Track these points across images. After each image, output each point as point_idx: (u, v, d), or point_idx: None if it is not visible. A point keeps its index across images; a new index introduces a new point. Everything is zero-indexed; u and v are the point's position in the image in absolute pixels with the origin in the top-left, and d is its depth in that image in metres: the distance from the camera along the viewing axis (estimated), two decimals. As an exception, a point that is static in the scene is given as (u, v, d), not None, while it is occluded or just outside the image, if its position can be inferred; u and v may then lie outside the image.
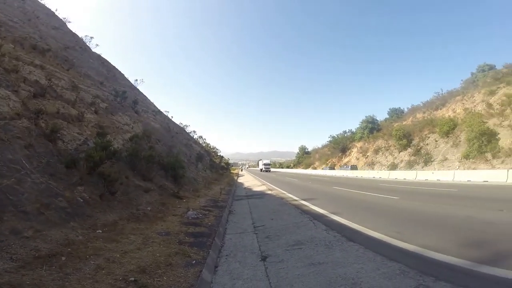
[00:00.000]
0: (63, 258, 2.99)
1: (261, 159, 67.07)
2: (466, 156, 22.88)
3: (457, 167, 22.81)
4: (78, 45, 18.29)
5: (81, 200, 4.99)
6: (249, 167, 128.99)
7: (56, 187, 4.79)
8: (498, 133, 21.60)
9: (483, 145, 21.64)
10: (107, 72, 19.77)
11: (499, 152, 20.40)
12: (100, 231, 4.22)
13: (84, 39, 20.63)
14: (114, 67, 23.17)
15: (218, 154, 53.05)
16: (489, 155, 21.09)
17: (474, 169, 20.29)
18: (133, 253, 3.55)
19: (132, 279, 2.76)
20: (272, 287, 3.00)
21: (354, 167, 35.91)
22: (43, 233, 3.43)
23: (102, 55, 21.93)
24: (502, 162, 19.67)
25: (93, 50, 20.93)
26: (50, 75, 9.92)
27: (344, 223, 5.78)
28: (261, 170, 60.08)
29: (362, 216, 6.47)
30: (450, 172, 18.97)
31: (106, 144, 7.68)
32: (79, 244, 3.51)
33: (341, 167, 39.97)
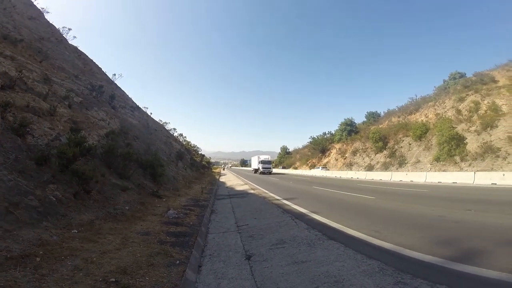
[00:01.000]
0: (38, 259, 2.79)
1: (257, 156, 44.30)
2: (437, 159, 24.36)
3: (429, 169, 24.20)
4: (53, 36, 17.22)
5: (54, 199, 4.69)
6: (232, 166, 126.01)
7: (26, 185, 4.47)
8: (466, 138, 23.21)
9: (452, 149, 23.14)
10: (84, 66, 18.78)
11: (467, 155, 21.92)
12: (76, 231, 4.00)
13: (61, 30, 19.49)
14: (91, 60, 22.08)
15: (199, 152, 52.04)
16: (457, 158, 22.59)
17: (444, 171, 21.61)
18: (112, 254, 3.39)
19: (113, 279, 2.64)
20: (258, 286, 3.00)
21: (324, 168, 41.56)
22: (14, 233, 3.18)
23: (79, 48, 20.82)
24: (470, 165, 21.15)
25: (70, 42, 19.83)
26: (20, 66, 9.26)
27: (325, 222, 5.91)
28: (256, 171, 41.82)
29: (341, 215, 6.65)
30: (423, 173, 20.03)
31: (80, 140, 7.28)
32: (54, 244, 3.29)
33: (316, 167, 44.88)
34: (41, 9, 18.79)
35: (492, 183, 14.21)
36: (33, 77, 9.70)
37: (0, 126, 5.49)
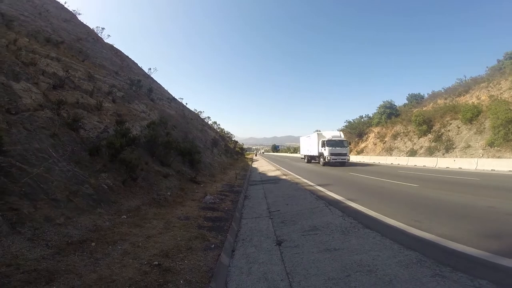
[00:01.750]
0: (93, 244, 3.21)
1: (317, 131, 25.96)
2: (491, 144, 21.82)
3: (481, 155, 21.80)
4: (90, 36, 18.63)
5: (106, 187, 5.26)
6: (264, 152, 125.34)
7: (82, 174, 5.06)
8: None
9: (510, 133, 20.52)
10: (121, 62, 20.12)
11: None
12: (125, 217, 4.47)
13: (95, 30, 20.97)
14: (127, 56, 23.54)
15: (233, 139, 53.38)
16: None
17: (499, 157, 19.32)
18: (156, 238, 3.75)
19: (156, 263, 2.93)
20: (287, 272, 3.09)
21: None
22: (74, 220, 3.67)
23: (114, 45, 22.28)
24: None
25: (105, 40, 21.29)
26: (66, 66, 10.24)
27: (361, 209, 5.75)
28: (312, 159, 26.18)
29: (379, 203, 6.39)
30: (473, 160, 18.16)
31: (125, 131, 7.95)
32: (106, 229, 3.74)
33: None
34: (73, 11, 20.28)
35: None
36: (78, 76, 10.68)
37: (57, 122, 6.22)
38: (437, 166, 19.77)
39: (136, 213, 4.85)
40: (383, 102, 45.86)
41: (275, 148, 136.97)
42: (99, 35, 20.82)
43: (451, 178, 11.85)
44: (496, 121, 21.54)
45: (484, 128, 23.99)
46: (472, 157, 20.72)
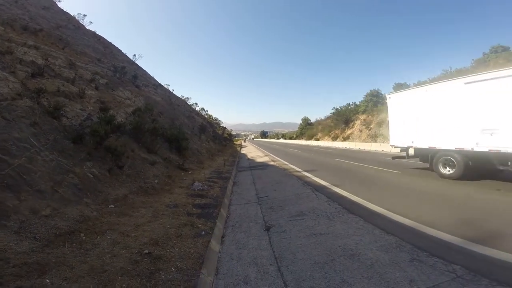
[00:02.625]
0: (82, 235, 3.20)
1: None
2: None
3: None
4: (70, 23, 17.71)
5: (91, 176, 5.17)
6: (254, 138, 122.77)
7: (66, 163, 4.94)
8: None
9: None
10: (104, 49, 19.29)
11: None
12: (113, 206, 4.44)
13: (76, 17, 19.91)
14: (110, 43, 22.57)
15: (221, 125, 52.94)
16: None
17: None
18: (145, 226, 3.77)
19: (147, 251, 2.97)
20: (276, 256, 3.22)
21: None
22: (60, 211, 3.62)
23: (97, 32, 21.26)
24: None
25: (87, 27, 20.31)
26: (46, 54, 9.72)
27: (346, 195, 5.96)
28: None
29: (363, 189, 6.64)
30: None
31: (110, 118, 7.74)
32: (94, 220, 3.72)
33: None
34: None
35: None
36: (59, 64, 10.16)
37: (37, 111, 5.96)
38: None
39: (124, 202, 4.83)
40: (370, 90, 46.89)
41: (264, 134, 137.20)
42: (80, 22, 19.84)
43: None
44: None
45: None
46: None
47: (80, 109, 8.05)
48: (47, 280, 2.24)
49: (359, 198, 5.56)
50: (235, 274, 2.87)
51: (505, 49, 33.66)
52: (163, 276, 2.54)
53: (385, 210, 4.63)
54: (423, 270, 2.59)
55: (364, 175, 9.27)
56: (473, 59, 37.22)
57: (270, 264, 3.03)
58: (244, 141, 71.63)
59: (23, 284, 2.16)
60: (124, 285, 2.33)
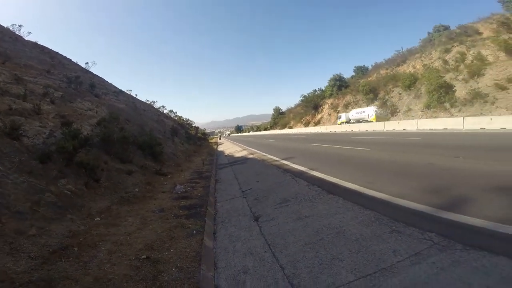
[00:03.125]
0: (76, 249, 3.15)
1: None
2: (428, 106, 25.09)
3: (420, 116, 24.93)
4: (6, 35, 16.18)
5: (68, 192, 4.97)
6: (230, 134, 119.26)
7: (39, 183, 4.69)
8: (454, 86, 23.77)
9: (442, 96, 23.81)
10: (51, 59, 17.92)
11: (456, 102, 22.67)
12: (98, 219, 4.35)
13: (11, 28, 18.15)
14: (57, 53, 21.01)
15: (193, 125, 51.88)
16: (447, 105, 23.30)
17: (435, 117, 22.31)
18: (137, 233, 3.78)
19: (144, 256, 3.02)
20: (268, 243, 3.42)
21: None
22: (46, 229, 3.50)
23: (38, 43, 19.62)
24: (459, 110, 21.90)
25: (26, 38, 18.63)
26: None
27: (323, 177, 6.26)
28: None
29: (338, 169, 7.04)
30: (414, 121, 20.61)
31: (75, 132, 7.36)
32: (84, 233, 3.65)
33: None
34: None
35: (480, 128, 14.73)
36: (3, 80, 9.34)
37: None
38: (384, 129, 22.02)
39: (109, 213, 4.73)
40: (333, 75, 48.70)
41: (239, 129, 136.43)
42: (17, 33, 18.07)
43: (396, 139, 13.41)
44: (430, 86, 24.75)
45: (421, 93, 27.31)
46: (413, 119, 23.49)
47: (40, 126, 7.55)
48: (57, 295, 2.24)
49: (336, 179, 5.87)
50: (233, 266, 3.03)
51: (446, 28, 37.22)
52: (166, 277, 2.63)
53: (360, 187, 4.95)
54: (403, 240, 2.80)
55: (337, 156, 9.82)
56: (420, 39, 40.54)
57: (265, 252, 3.21)
58: (220, 138, 70.86)
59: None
60: (131, 291, 2.40)
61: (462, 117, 17.08)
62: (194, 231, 3.92)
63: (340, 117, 38.09)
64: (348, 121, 34.48)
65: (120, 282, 2.50)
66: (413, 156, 7.80)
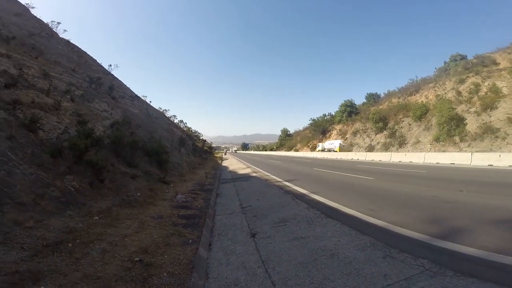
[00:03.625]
0: (70, 245, 3.20)
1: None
2: (437, 139, 24.76)
3: (429, 149, 24.61)
4: (44, 31, 17.15)
5: (73, 189, 5.09)
6: (237, 150, 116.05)
7: (46, 177, 4.84)
8: (466, 119, 23.49)
9: (452, 129, 23.50)
10: (78, 58, 18.80)
11: (466, 136, 22.30)
12: (97, 218, 4.41)
13: (50, 24, 19.27)
14: (85, 52, 22.04)
15: (201, 138, 52.49)
16: (457, 139, 22.96)
17: (444, 151, 22.00)
18: (133, 236, 3.81)
19: (137, 259, 3.05)
20: (263, 259, 3.41)
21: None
22: (44, 223, 3.58)
23: (71, 41, 20.72)
24: (469, 145, 21.54)
25: (61, 35, 19.72)
26: (19, 64, 9.43)
27: (324, 201, 6.30)
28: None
29: (340, 195, 7.04)
30: (421, 154, 20.39)
31: (89, 132, 7.63)
32: (81, 231, 3.71)
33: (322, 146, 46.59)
34: (25, 5, 18.54)
35: (488, 164, 14.48)
36: (32, 74, 9.87)
37: (13, 123, 5.79)
38: (391, 160, 21.81)
39: (108, 214, 4.79)
40: (344, 101, 49.16)
41: (245, 146, 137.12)
42: (54, 30, 19.15)
43: (402, 171, 13.28)
44: (441, 118, 24.48)
45: (431, 125, 27.07)
46: (421, 152, 23.24)
47: (57, 122, 7.86)
48: (42, 287, 2.27)
49: (336, 204, 5.91)
50: (225, 278, 3.02)
51: (463, 57, 37.18)
52: (156, 281, 2.64)
53: (359, 213, 4.99)
54: (395, 265, 2.87)
55: (340, 182, 9.77)
56: (436, 68, 40.63)
57: (258, 267, 3.21)
58: (225, 154, 71.14)
59: (18, 292, 2.18)
60: (119, 291, 2.41)
61: (470, 153, 16.79)
62: (190, 240, 3.94)
63: (319, 145, 45.64)
64: (323, 150, 42.03)
65: (108, 281, 2.52)
66: (416, 188, 7.73)
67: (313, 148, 49.16)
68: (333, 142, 40.22)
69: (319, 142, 50.69)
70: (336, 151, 36.53)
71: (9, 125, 5.65)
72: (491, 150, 18.55)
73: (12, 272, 2.37)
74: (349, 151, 34.41)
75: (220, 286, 2.83)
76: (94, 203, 5.15)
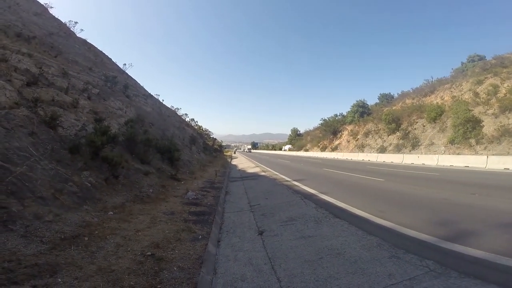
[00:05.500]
0: (86, 239, 3.38)
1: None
2: (452, 141, 24.03)
3: (443, 151, 23.92)
4: (62, 31, 17.81)
5: (89, 185, 5.32)
6: (248, 150, 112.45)
7: (65, 172, 5.09)
8: (483, 121, 22.66)
9: (468, 131, 22.73)
10: (95, 58, 19.40)
11: (483, 138, 21.51)
12: (112, 213, 4.61)
13: (68, 24, 19.99)
14: (101, 52, 22.70)
15: (211, 136, 52.98)
16: (473, 141, 22.19)
17: (458, 154, 21.33)
18: (145, 231, 3.98)
19: (149, 253, 3.20)
20: (269, 257, 3.49)
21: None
22: (62, 217, 3.79)
23: (87, 40, 21.39)
24: (485, 148, 20.79)
25: (78, 35, 20.41)
26: (39, 63, 9.84)
27: (332, 201, 6.30)
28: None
29: (349, 196, 7.01)
30: (435, 156, 19.87)
31: (105, 129, 7.93)
32: (96, 225, 3.90)
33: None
34: (44, 5, 19.25)
35: (504, 168, 13.96)
36: (52, 72, 10.28)
37: (35, 120, 6.10)
38: (403, 162, 21.38)
39: (122, 209, 5.00)
40: (357, 101, 48.22)
41: (254, 146, 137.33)
42: (71, 29, 19.87)
43: (414, 173, 13.02)
44: (456, 120, 23.72)
45: (446, 127, 26.28)
46: (435, 154, 22.63)
47: (75, 119, 8.18)
48: (59, 279, 2.43)
49: (344, 204, 5.90)
50: (232, 273, 3.12)
51: (481, 58, 35.86)
52: (167, 275, 2.77)
53: (367, 214, 4.98)
54: (401, 265, 2.88)
55: (350, 183, 9.70)
56: (452, 69, 39.32)
57: (265, 264, 3.29)
58: (234, 153, 71.55)
59: (37, 283, 2.34)
60: (132, 283, 2.55)
61: (486, 156, 16.23)
62: (200, 236, 4.07)
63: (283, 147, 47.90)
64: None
65: (122, 274, 2.67)
66: (428, 190, 7.61)
67: (323, 148, 48.69)
68: (286, 148, 44.46)
69: (330, 142, 50.27)
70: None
71: (31, 122, 5.95)
72: (508, 154, 17.85)
73: (32, 265, 2.55)
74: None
75: (227, 281, 2.93)
76: (109, 198, 5.37)
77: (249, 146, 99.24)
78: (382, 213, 5.06)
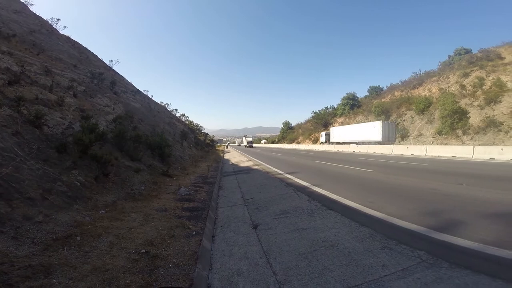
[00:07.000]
0: (78, 238, 3.32)
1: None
2: (439, 132, 24.72)
3: (431, 142, 24.58)
4: (44, 28, 17.19)
5: (78, 184, 5.21)
6: (241, 144, 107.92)
7: (53, 172, 4.96)
8: (469, 112, 23.40)
9: (455, 122, 23.44)
10: (79, 54, 18.82)
11: (469, 129, 22.26)
12: (103, 212, 4.54)
13: (50, 21, 19.32)
14: (85, 48, 22.05)
15: (202, 131, 52.59)
16: (460, 132, 22.90)
17: (446, 144, 21.96)
18: (138, 229, 3.94)
19: (143, 251, 3.17)
20: (264, 250, 3.53)
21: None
22: (53, 217, 3.70)
23: (71, 37, 20.74)
24: (471, 138, 21.50)
25: (61, 32, 19.74)
26: (21, 61, 9.48)
27: (325, 193, 6.39)
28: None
29: (341, 187, 7.12)
30: (423, 147, 20.34)
31: (93, 127, 7.74)
32: (88, 224, 3.83)
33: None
34: (24, 2, 18.52)
35: (490, 158, 14.44)
36: (34, 70, 9.94)
37: (18, 120, 5.89)
38: (392, 153, 21.79)
39: (113, 207, 4.92)
40: (347, 94, 48.91)
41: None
42: (54, 26, 19.19)
43: (403, 163, 13.31)
44: (444, 111, 24.42)
45: (434, 118, 27.00)
46: (423, 144, 23.20)
47: (60, 118, 7.96)
48: (54, 280, 2.39)
49: (336, 196, 6.00)
50: (228, 268, 3.14)
51: (467, 51, 36.81)
52: (162, 272, 2.76)
53: (359, 205, 5.08)
54: (393, 256, 2.95)
55: (341, 175, 9.84)
56: (440, 62, 40.26)
57: (260, 257, 3.32)
58: (227, 147, 71.31)
59: (33, 284, 2.29)
60: (127, 281, 2.53)
61: (472, 146, 16.73)
62: (194, 232, 4.05)
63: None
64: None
65: (117, 273, 2.64)
66: (416, 181, 7.78)
67: (315, 141, 49.13)
68: (264, 140, 46.88)
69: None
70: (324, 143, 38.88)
71: (15, 121, 5.75)
72: (493, 144, 18.50)
73: (25, 266, 2.49)
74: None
75: (223, 276, 2.95)
76: (100, 197, 5.27)
77: (250, 139, 79.53)
78: (373, 203, 5.17)
